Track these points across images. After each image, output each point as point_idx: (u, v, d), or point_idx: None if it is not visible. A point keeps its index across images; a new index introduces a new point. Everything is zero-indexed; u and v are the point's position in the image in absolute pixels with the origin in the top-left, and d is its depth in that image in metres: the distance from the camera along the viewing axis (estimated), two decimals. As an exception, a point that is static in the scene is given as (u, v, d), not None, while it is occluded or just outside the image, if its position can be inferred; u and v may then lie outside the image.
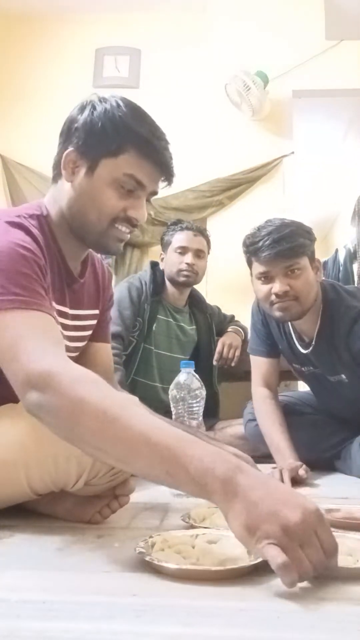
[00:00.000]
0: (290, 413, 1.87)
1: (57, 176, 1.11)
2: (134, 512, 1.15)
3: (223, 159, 3.04)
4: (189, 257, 2.17)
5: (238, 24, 3.14)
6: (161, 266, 2.25)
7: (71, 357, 1.05)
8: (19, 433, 0.95)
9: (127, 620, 0.59)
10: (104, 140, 1.03)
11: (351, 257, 4.43)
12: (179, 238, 2.21)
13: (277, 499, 0.66)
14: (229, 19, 3.15)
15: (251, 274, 1.68)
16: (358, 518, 0.97)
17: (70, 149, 1.06)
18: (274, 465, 1.64)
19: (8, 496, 1.00)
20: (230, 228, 3.00)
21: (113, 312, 2.08)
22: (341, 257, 4.57)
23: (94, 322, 1.26)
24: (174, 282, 2.21)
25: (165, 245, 2.26)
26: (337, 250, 4.83)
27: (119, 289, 2.20)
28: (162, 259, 2.26)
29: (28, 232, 0.99)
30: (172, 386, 1.38)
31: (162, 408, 2.01)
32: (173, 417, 1.37)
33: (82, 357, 1.25)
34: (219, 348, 2.29)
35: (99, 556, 0.84)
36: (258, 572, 0.74)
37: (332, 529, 0.68)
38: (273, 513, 0.64)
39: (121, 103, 1.06)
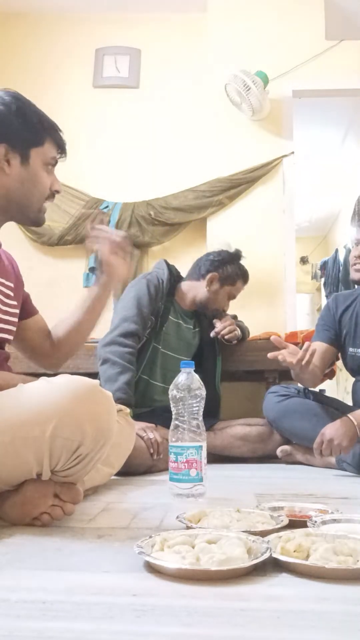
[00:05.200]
0: (317, 401, 2.09)
1: None
2: (134, 512, 1.15)
3: (223, 159, 3.04)
4: (228, 304, 2.31)
5: (238, 24, 3.14)
6: (204, 286, 2.23)
7: (8, 320, 1.24)
8: None
9: (127, 620, 0.59)
10: (32, 133, 1.20)
11: (351, 257, 4.42)
12: (239, 287, 2.30)
13: None
14: (229, 19, 3.15)
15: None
16: (297, 514, 1.07)
17: (1, 144, 1.17)
18: None
19: None
20: (230, 228, 3.00)
21: (131, 309, 2.04)
22: (341, 257, 4.57)
23: (8, 292, 1.30)
24: (199, 308, 2.26)
25: (225, 278, 2.23)
26: (337, 250, 4.84)
27: (138, 285, 2.13)
28: (211, 281, 2.22)
29: None
30: (172, 386, 1.38)
31: (161, 407, 2.01)
32: (173, 416, 1.37)
33: (35, 331, 1.43)
34: (221, 323, 2.30)
35: (99, 556, 0.84)
36: (258, 572, 0.74)
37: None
38: None
39: (21, 97, 1.22)
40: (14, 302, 1.30)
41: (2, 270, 1.29)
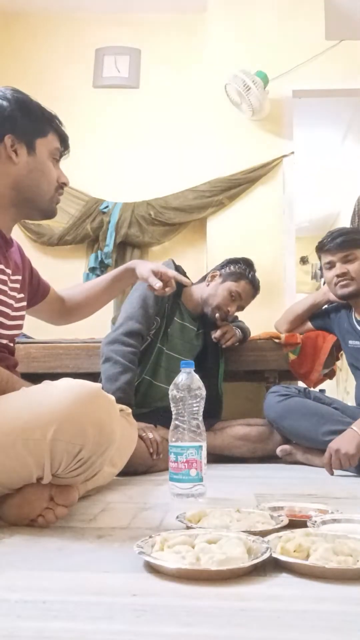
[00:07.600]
0: (317, 401, 2.12)
1: None
2: (134, 512, 1.15)
3: (223, 159, 3.04)
4: (234, 307, 2.21)
5: (238, 24, 3.14)
6: (206, 283, 2.23)
7: (18, 316, 1.27)
8: None
9: (127, 620, 0.59)
10: (36, 124, 1.24)
11: (351, 257, 4.42)
12: (244, 287, 2.21)
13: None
14: (229, 19, 3.15)
15: (320, 268, 2.11)
16: (297, 514, 1.06)
17: (7, 135, 1.20)
18: None
19: None
20: (230, 228, 3.00)
21: (136, 308, 2.03)
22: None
23: (18, 286, 1.32)
24: (204, 307, 2.21)
25: (227, 275, 2.22)
26: (337, 250, 4.83)
27: (144, 285, 2.06)
28: (213, 277, 2.23)
29: None
30: (172, 386, 1.38)
31: (162, 408, 2.01)
32: (173, 416, 1.37)
33: (51, 304, 1.56)
34: (220, 330, 2.28)
35: (99, 556, 0.84)
36: (258, 572, 0.74)
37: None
38: None
39: (22, 92, 1.26)
40: (22, 295, 1.32)
41: (16, 268, 1.30)
